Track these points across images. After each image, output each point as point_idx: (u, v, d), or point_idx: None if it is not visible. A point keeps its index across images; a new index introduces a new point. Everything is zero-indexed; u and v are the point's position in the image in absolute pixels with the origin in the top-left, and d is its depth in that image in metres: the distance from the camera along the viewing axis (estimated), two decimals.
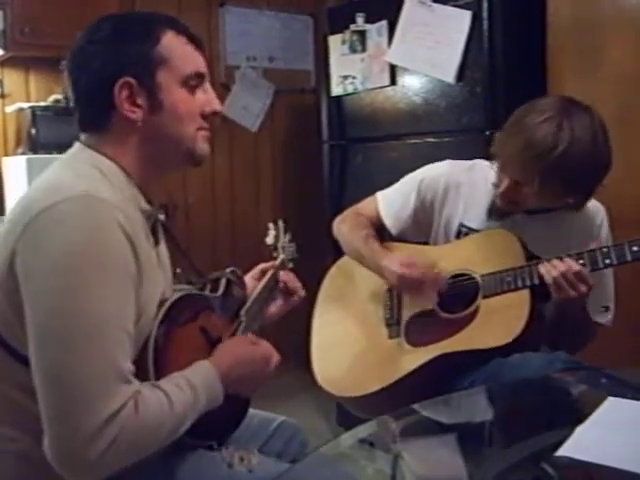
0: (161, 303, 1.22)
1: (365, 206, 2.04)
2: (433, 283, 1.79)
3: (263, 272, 1.61)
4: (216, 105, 1.28)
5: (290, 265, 1.70)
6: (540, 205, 1.74)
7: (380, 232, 1.98)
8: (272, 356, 1.36)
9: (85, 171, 1.19)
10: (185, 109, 1.24)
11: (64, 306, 1.05)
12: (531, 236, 1.78)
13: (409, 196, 1.93)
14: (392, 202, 1.98)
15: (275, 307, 1.63)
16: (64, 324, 1.05)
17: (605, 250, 1.63)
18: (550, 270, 1.63)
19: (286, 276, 1.63)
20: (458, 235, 1.90)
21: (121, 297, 1.10)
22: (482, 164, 1.91)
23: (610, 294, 1.84)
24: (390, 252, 1.88)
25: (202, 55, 1.28)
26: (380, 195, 2.02)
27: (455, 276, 1.82)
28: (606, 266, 1.63)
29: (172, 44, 1.23)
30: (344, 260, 2.06)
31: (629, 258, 1.59)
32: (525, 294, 1.69)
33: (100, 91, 1.20)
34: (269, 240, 1.68)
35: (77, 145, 1.27)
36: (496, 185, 1.76)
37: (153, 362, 1.16)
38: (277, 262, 1.63)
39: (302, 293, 1.65)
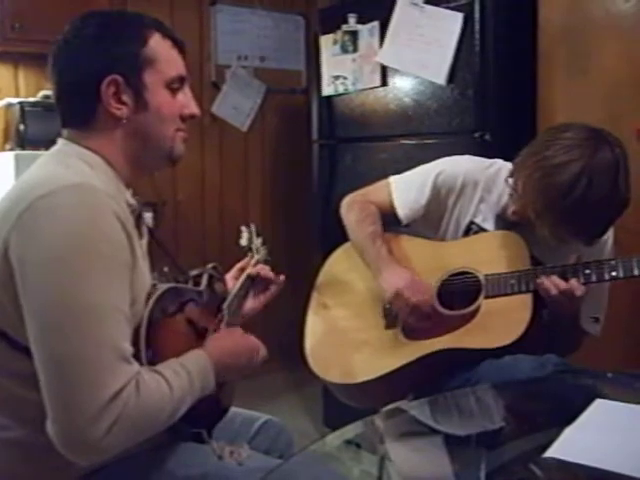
0: (148, 294, 1.24)
1: (377, 192, 1.98)
2: (424, 309, 1.77)
3: (241, 270, 1.65)
4: (194, 108, 1.32)
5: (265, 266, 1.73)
6: (551, 238, 1.67)
7: (385, 218, 1.94)
8: (259, 349, 1.41)
9: (74, 164, 1.20)
10: (168, 110, 1.27)
11: (62, 293, 1.07)
12: (537, 241, 1.74)
13: (424, 188, 1.88)
14: (406, 192, 1.92)
15: (257, 300, 1.67)
16: (63, 309, 1.06)
17: (613, 263, 1.61)
18: (550, 287, 1.62)
19: (260, 269, 1.66)
20: (467, 232, 1.87)
21: (118, 283, 1.12)
22: (501, 164, 1.87)
23: (602, 306, 1.83)
24: (395, 260, 1.84)
25: (184, 59, 1.31)
26: (393, 182, 1.96)
27: (459, 274, 1.80)
28: (612, 279, 1.62)
29: (158, 47, 1.25)
30: (349, 245, 2.00)
31: (636, 272, 1.58)
32: (528, 298, 1.67)
33: (86, 86, 1.22)
34: (243, 242, 1.74)
35: (61, 141, 1.27)
36: (511, 195, 1.73)
37: (145, 350, 1.18)
38: (253, 261, 1.67)
39: (281, 279, 1.69)
